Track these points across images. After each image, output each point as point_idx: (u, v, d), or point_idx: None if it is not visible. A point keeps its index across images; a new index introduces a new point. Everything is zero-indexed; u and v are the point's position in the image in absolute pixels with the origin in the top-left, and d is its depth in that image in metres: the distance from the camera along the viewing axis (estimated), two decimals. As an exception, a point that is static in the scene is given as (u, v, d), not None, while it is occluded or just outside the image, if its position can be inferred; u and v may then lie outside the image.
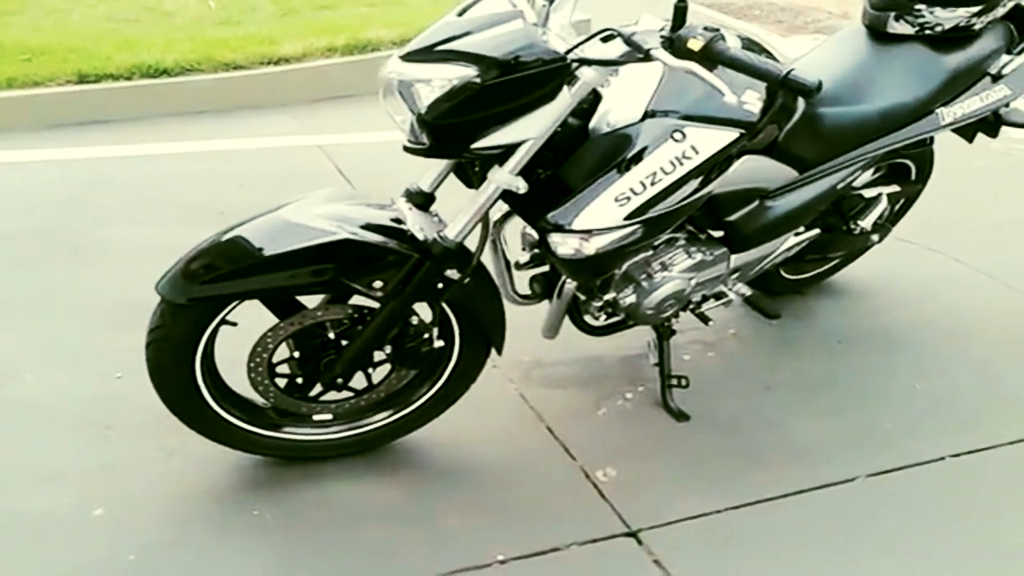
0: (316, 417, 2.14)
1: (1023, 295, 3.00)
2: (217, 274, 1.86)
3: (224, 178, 3.69)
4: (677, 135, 1.85)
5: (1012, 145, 3.96)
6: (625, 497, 2.10)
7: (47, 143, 3.92)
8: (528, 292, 2.26)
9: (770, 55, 2.01)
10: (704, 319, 2.40)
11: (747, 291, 2.41)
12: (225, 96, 4.45)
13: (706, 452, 2.27)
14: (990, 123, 2.53)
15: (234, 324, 1.96)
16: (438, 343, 2.05)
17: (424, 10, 5.52)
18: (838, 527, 2.03)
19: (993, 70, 2.39)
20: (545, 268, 2.23)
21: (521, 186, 1.82)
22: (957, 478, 2.20)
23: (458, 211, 1.91)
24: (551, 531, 1.99)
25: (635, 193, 1.85)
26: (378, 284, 1.88)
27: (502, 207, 2.07)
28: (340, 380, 2.05)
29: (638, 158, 1.84)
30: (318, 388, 2.08)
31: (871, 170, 2.58)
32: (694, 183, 1.90)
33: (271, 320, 1.99)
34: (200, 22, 5.16)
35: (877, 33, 2.40)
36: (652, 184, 1.85)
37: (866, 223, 2.59)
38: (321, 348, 2.02)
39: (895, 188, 2.67)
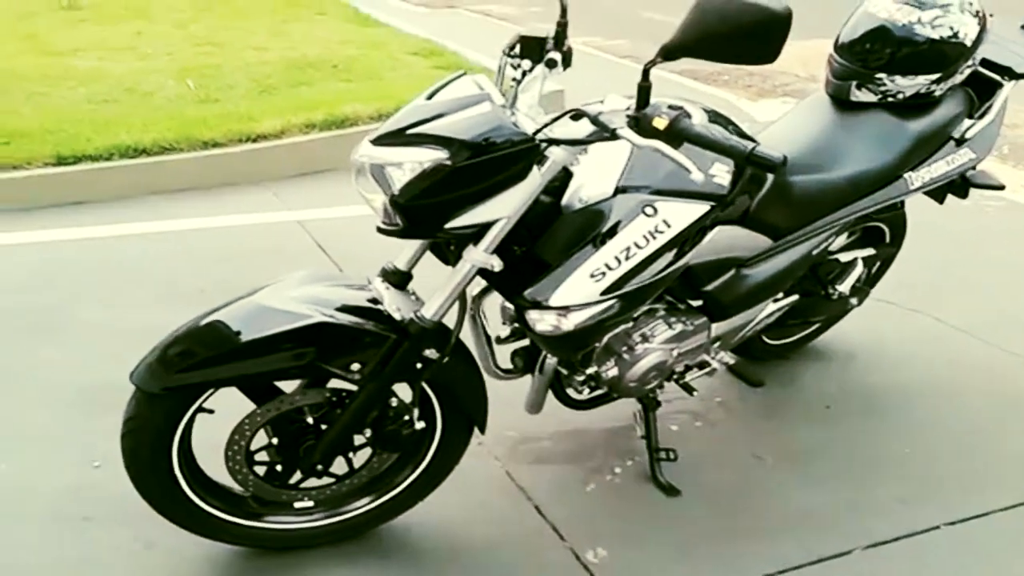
0: (297, 505, 2.10)
1: (1004, 353, 3.01)
2: (192, 362, 1.84)
3: (203, 256, 3.68)
4: (649, 210, 1.87)
5: (983, 203, 4.02)
6: (616, 578, 2.06)
7: (24, 225, 3.91)
8: (510, 366, 2.24)
9: (736, 127, 2.05)
10: (689, 389, 2.39)
11: (730, 359, 2.41)
12: (204, 174, 4.46)
13: (698, 528, 2.24)
14: (959, 185, 2.57)
15: (211, 411, 1.93)
16: (419, 424, 2.02)
17: (400, 84, 5.61)
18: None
19: (956, 134, 2.44)
20: (526, 342, 2.22)
21: (496, 264, 1.82)
22: (954, 548, 2.18)
23: (435, 290, 1.90)
24: (542, 617, 1.95)
25: (610, 268, 1.85)
26: (356, 367, 1.87)
27: (481, 282, 2.07)
28: (320, 466, 2.01)
29: (612, 233, 1.85)
30: (298, 475, 2.04)
31: (845, 235, 2.61)
32: (668, 256, 1.91)
33: (248, 406, 1.97)
34: (179, 101, 5.20)
35: (841, 101, 2.45)
36: (627, 259, 1.86)
37: (844, 287, 2.61)
38: (300, 434, 1.99)
39: (870, 251, 2.69)
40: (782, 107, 6.15)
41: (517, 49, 1.92)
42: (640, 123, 1.65)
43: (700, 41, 1.55)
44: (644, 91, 1.66)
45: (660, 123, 1.61)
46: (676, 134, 1.62)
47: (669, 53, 1.59)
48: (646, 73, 1.65)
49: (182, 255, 3.70)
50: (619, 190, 1.87)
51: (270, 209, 4.25)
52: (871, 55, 2.35)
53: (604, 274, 1.85)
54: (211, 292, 3.17)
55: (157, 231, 3.94)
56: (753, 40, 1.53)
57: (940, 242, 3.64)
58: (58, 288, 3.39)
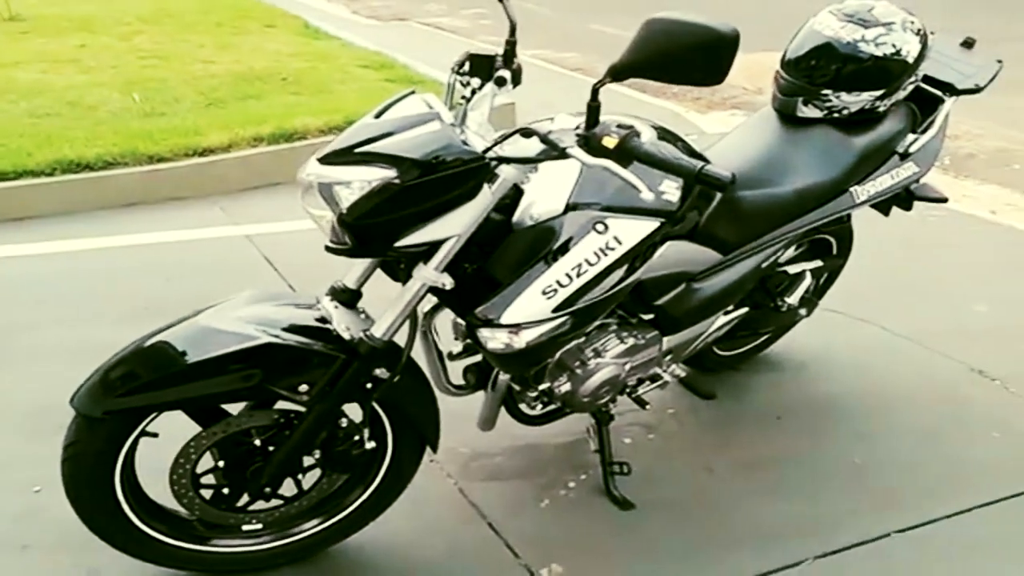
0: (245, 528, 2.05)
1: (949, 360, 3.07)
2: (134, 385, 1.79)
3: (150, 273, 3.61)
4: (599, 227, 1.87)
5: (927, 213, 4.10)
6: (571, 596, 2.05)
7: (-38, 243, 3.81)
8: (462, 383, 2.23)
9: (686, 144, 2.06)
10: (641, 403, 2.39)
11: (682, 372, 2.42)
12: (150, 189, 4.39)
13: (652, 542, 2.24)
14: (903, 198, 2.62)
15: (155, 435, 1.89)
16: (370, 444, 1.99)
17: (350, 97, 5.58)
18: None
19: (900, 149, 2.48)
20: (478, 358, 2.21)
21: (447, 282, 1.81)
22: (905, 555, 2.20)
23: (385, 308, 1.88)
24: (496, 637, 1.93)
25: (561, 285, 1.85)
26: (304, 388, 1.83)
27: (432, 298, 2.05)
28: (268, 489, 1.97)
29: (563, 250, 1.85)
30: (245, 498, 2.00)
31: (793, 248, 2.64)
32: (619, 272, 1.91)
33: (193, 428, 1.92)
34: (123, 115, 5.10)
35: (788, 117, 2.48)
36: (578, 276, 1.85)
37: (792, 299, 2.64)
38: (247, 456, 1.95)
39: (818, 263, 2.73)
40: (730, 119, 6.23)
41: (466, 67, 1.92)
42: (590, 142, 1.65)
43: (648, 61, 1.56)
44: (593, 110, 1.66)
45: (610, 142, 1.61)
46: (626, 153, 1.62)
47: (618, 73, 1.60)
48: (595, 93, 1.65)
49: (127, 272, 3.63)
50: (570, 207, 1.87)
51: (218, 224, 4.19)
52: (817, 71, 2.38)
53: (556, 291, 1.85)
54: (156, 309, 3.08)
55: (101, 247, 3.86)
56: (701, 61, 1.54)
57: (885, 253, 3.70)
58: (0, 307, 3.30)
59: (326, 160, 1.74)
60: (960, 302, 3.53)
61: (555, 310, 1.86)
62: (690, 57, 1.54)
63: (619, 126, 1.63)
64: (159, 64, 6.33)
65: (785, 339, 3.03)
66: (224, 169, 4.57)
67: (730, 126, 5.83)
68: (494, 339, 1.88)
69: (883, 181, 2.47)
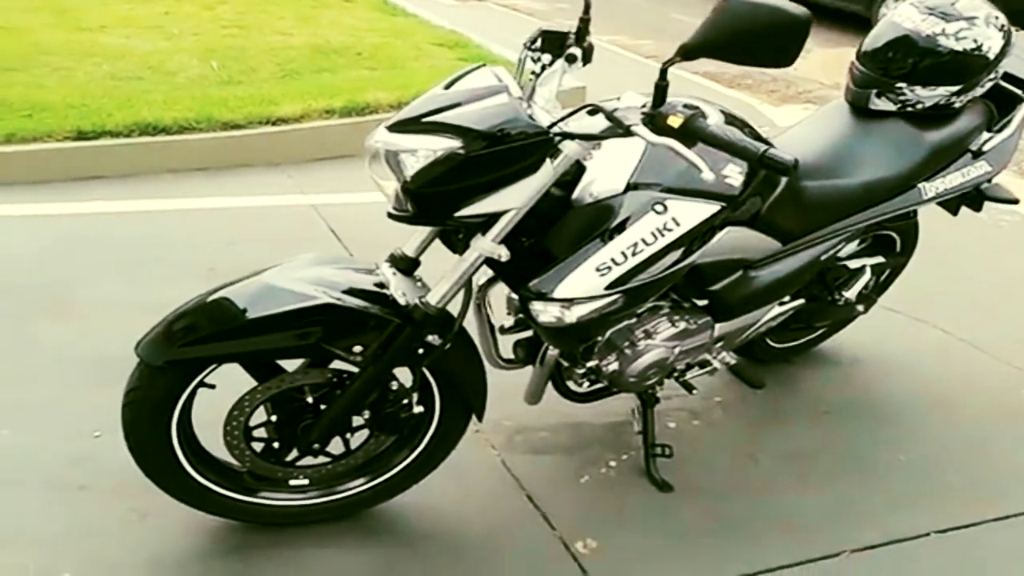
0: (292, 482, 2.11)
1: (1008, 367, 3.00)
2: (196, 337, 1.86)
3: (216, 236, 3.70)
4: (658, 207, 1.87)
5: (999, 217, 4.00)
6: (604, 571, 2.07)
7: (42, 198, 3.94)
8: (512, 357, 2.25)
9: (752, 129, 2.05)
10: (688, 387, 2.39)
11: (732, 360, 2.41)
12: (222, 155, 4.48)
13: (689, 525, 2.24)
14: (973, 197, 2.56)
15: (212, 387, 1.95)
16: (418, 409, 2.03)
17: (422, 74, 5.61)
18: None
19: (974, 147, 2.42)
20: (529, 333, 2.23)
21: (503, 254, 1.83)
22: (942, 555, 2.17)
23: (441, 277, 1.91)
24: (528, 606, 1.96)
25: (616, 263, 1.86)
26: (358, 349, 1.88)
27: (488, 271, 2.08)
28: (317, 445, 2.03)
29: (620, 229, 1.85)
30: (294, 453, 2.06)
31: (856, 242, 2.60)
32: (675, 254, 1.91)
33: (249, 382, 1.98)
34: (201, 81, 5.21)
35: (860, 109, 2.44)
36: (633, 255, 1.86)
37: (850, 294, 2.60)
38: (299, 412, 2.00)
39: (879, 259, 2.68)
40: (804, 113, 6.11)
41: (538, 43, 1.93)
42: (655, 121, 1.66)
43: (719, 42, 1.56)
44: (661, 89, 1.67)
45: (674, 121, 1.62)
46: (690, 133, 1.62)
47: (688, 52, 1.60)
48: (664, 72, 1.65)
49: (196, 234, 3.72)
50: (630, 187, 1.87)
51: (286, 192, 4.26)
52: (892, 64, 2.34)
53: (610, 269, 1.86)
54: (221, 271, 3.17)
55: (172, 209, 3.97)
56: (772, 43, 1.54)
57: (951, 254, 3.62)
58: (72, 262, 3.41)
59: (394, 128, 1.78)
60: (1022, 307, 3.43)
61: (608, 287, 1.87)
62: (762, 39, 1.54)
63: (685, 106, 1.63)
64: (239, 34, 6.44)
65: (840, 335, 2.99)
66: (295, 139, 4.64)
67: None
68: (546, 312, 1.90)
69: (953, 179, 2.41)
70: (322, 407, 2.01)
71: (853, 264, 2.61)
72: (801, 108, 6.32)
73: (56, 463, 2.32)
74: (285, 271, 1.94)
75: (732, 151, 1.61)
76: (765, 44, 1.54)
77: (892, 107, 2.38)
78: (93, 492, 2.23)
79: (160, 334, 1.86)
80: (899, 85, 2.35)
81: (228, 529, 2.13)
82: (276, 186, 4.33)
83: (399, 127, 1.79)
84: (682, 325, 2.18)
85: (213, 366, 1.91)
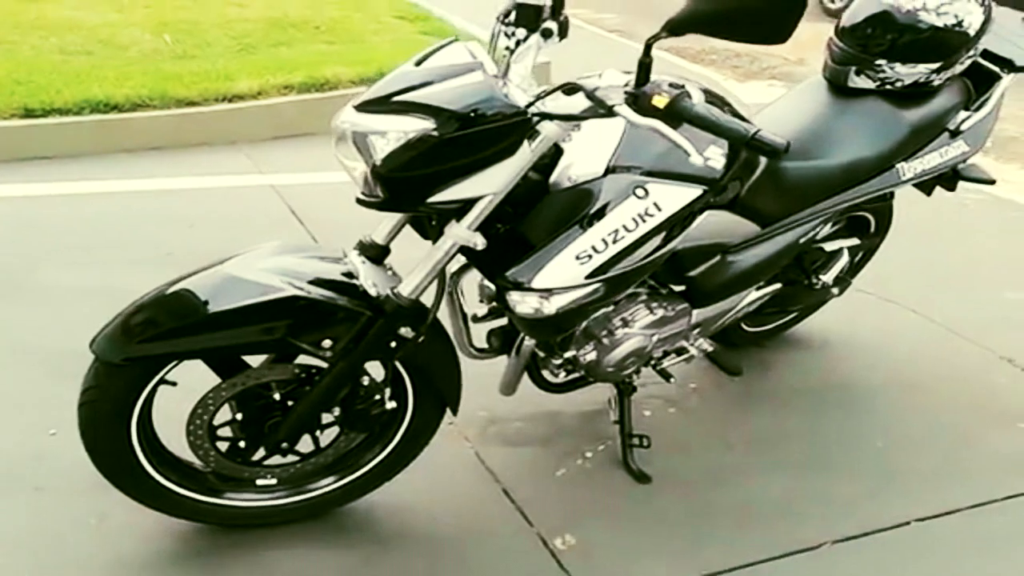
0: (259, 482, 2.03)
1: (979, 348, 2.99)
2: (156, 332, 1.76)
3: (173, 218, 3.57)
4: (639, 192, 1.80)
5: (964, 195, 3.99)
6: (584, 568, 2.02)
7: (-13, 179, 3.78)
8: (485, 346, 2.18)
9: (732, 108, 1.98)
10: (666, 376, 2.34)
11: (709, 346, 2.36)
12: (177, 133, 4.34)
13: (668, 516, 2.20)
14: (948, 177, 2.53)
15: (173, 384, 1.85)
16: (390, 404, 1.95)
17: (384, 48, 5.49)
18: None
19: (952, 126, 2.39)
20: (503, 321, 2.16)
21: (479, 242, 1.75)
22: (924, 544, 2.15)
23: (414, 266, 1.83)
24: (508, 606, 1.90)
25: (597, 251, 1.79)
26: (327, 343, 1.79)
27: (460, 258, 2.00)
28: (285, 444, 1.95)
29: (600, 215, 1.78)
30: (261, 452, 1.97)
31: (830, 224, 2.56)
32: (657, 240, 1.85)
33: (213, 379, 1.89)
34: (154, 56, 5.04)
35: (838, 87, 2.39)
36: (615, 242, 1.79)
37: (827, 277, 2.57)
38: (265, 410, 1.91)
39: (855, 241, 2.65)
40: (769, 90, 6.11)
41: (512, 17, 1.83)
42: (639, 101, 1.58)
43: (709, 16, 1.49)
44: (645, 67, 1.59)
45: (660, 101, 1.54)
46: (676, 114, 1.55)
47: (675, 27, 1.52)
48: (648, 48, 1.58)
49: (151, 216, 3.59)
50: (610, 170, 1.80)
51: (244, 172, 4.14)
52: (872, 40, 2.29)
53: (590, 257, 1.79)
54: (180, 256, 3.10)
55: (126, 190, 3.83)
56: (766, 18, 1.47)
57: (918, 234, 3.59)
58: (22, 247, 3.28)
59: (363, 108, 1.68)
60: (993, 289, 3.44)
61: (588, 276, 1.80)
62: (755, 13, 1.47)
63: (671, 85, 1.56)
64: (192, 6, 6.24)
65: (812, 317, 2.96)
66: (253, 116, 4.51)
67: (769, 97, 5.74)
68: (524, 303, 1.83)
69: (931, 159, 2.38)
70: (290, 403, 1.92)
71: (829, 247, 2.57)
72: (766, 84, 6.32)
73: (10, 462, 2.22)
74: (248, 261, 1.84)
75: (720, 133, 1.54)
76: (758, 19, 1.47)
77: (871, 85, 2.33)
78: (50, 493, 2.13)
79: (117, 330, 1.76)
80: (878, 62, 2.30)
81: (192, 531, 2.04)
82: (234, 166, 4.20)
83: (368, 107, 1.69)
84: (660, 312, 2.13)
85: (174, 363, 1.81)
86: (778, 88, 6.23)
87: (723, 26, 1.50)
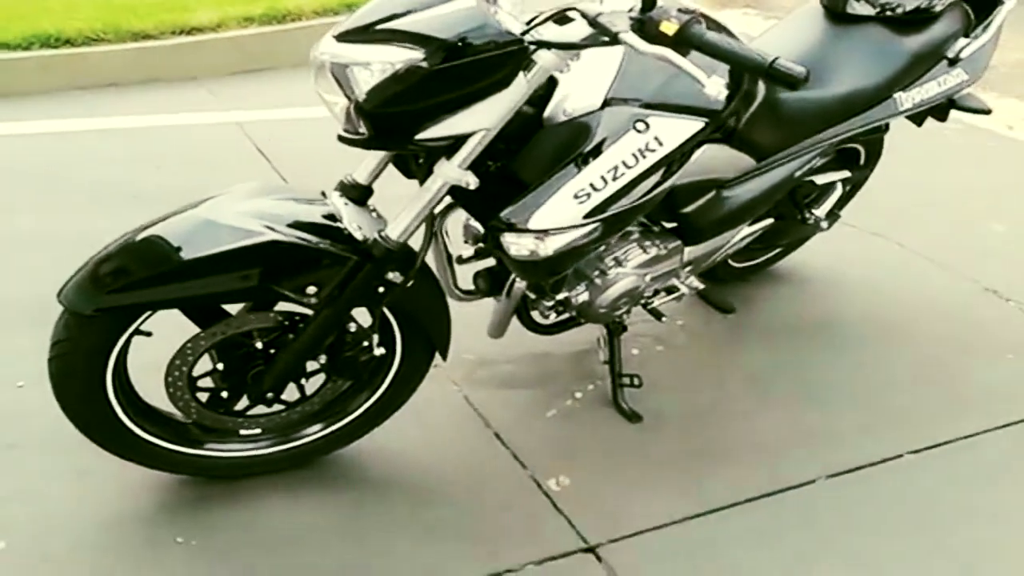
0: (243, 432, 1.95)
1: (964, 281, 2.97)
2: (127, 282, 1.66)
3: (136, 158, 3.43)
4: (640, 125, 1.71)
5: (942, 126, 3.95)
6: (580, 508, 1.98)
7: (-69, 121, 3.59)
8: (471, 288, 2.10)
9: (730, 33, 1.89)
10: (657, 315, 2.28)
11: (700, 284, 2.30)
12: (133, 69, 4.15)
13: (661, 455, 2.16)
14: (942, 107, 2.46)
15: (148, 334, 1.76)
16: (378, 351, 1.87)
17: (347, -22, 5.26)
18: (803, 534, 1.95)
19: (951, 54, 2.31)
20: (490, 263, 2.08)
21: (472, 181, 1.66)
22: (917, 476, 2.13)
23: (401, 208, 1.73)
24: (504, 550, 1.86)
25: (596, 189, 1.70)
26: (312, 290, 1.70)
27: (445, 198, 1.91)
28: (271, 394, 1.87)
29: (598, 151, 1.69)
30: (245, 402, 1.89)
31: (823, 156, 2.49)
32: (656, 176, 1.77)
33: (191, 328, 1.80)
34: (105, -13, 4.80)
35: (835, 14, 2.30)
36: (614, 179, 1.71)
37: (820, 211, 2.51)
38: (248, 359, 1.83)
39: (846, 174, 2.59)
40: (744, 18, 5.98)
41: None
42: (646, 27, 1.48)
43: None
44: None
45: (669, 28, 1.45)
46: (687, 41, 1.45)
47: None
48: None
49: (114, 157, 3.44)
50: (608, 102, 1.71)
51: (206, 109, 3.98)
52: (871, -37, 2.20)
53: (588, 195, 1.70)
54: (147, 197, 2.96)
55: (83, 129, 3.66)
56: None
57: (899, 165, 3.54)
58: (-26, 190, 3.12)
59: (343, 38, 1.56)
60: (976, 220, 3.40)
61: (587, 216, 1.72)
62: None
63: (680, 10, 1.46)
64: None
65: (798, 251, 2.91)
66: (213, 50, 4.34)
67: (745, 25, 5.60)
68: (519, 245, 1.74)
69: (929, 88, 2.30)
70: (272, 352, 1.84)
71: (821, 180, 2.51)
72: (740, 12, 6.18)
73: (-22, 419, 2.12)
74: (224, 204, 1.74)
75: (735, 61, 1.45)
76: None
77: (871, 11, 2.25)
78: (24, 450, 2.05)
79: (86, 279, 1.66)
80: (879, -14, 2.21)
81: (176, 484, 1.97)
82: (196, 102, 4.04)
83: (349, 36, 1.58)
84: (652, 251, 2.06)
85: (148, 313, 1.71)
86: (752, 16, 6.10)
87: None
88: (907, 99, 2.28)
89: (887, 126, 2.44)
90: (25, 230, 2.88)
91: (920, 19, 2.26)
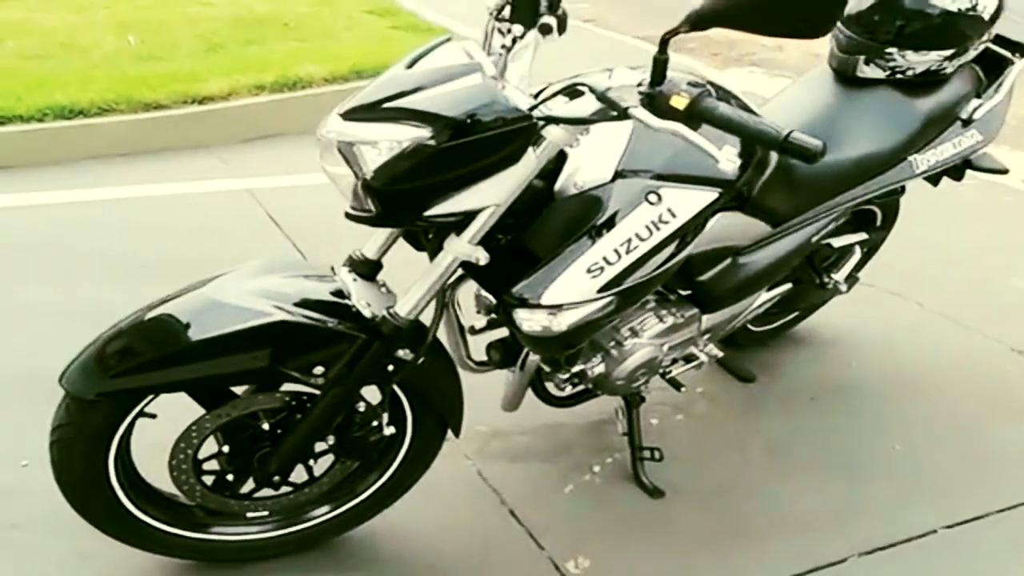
0: (249, 514, 1.89)
1: (986, 339, 2.91)
2: (131, 365, 1.62)
3: (146, 228, 3.41)
4: (652, 197, 1.68)
5: (957, 184, 3.92)
6: (601, 592, 1.91)
7: (-54, 193, 3.60)
8: (484, 359, 2.05)
9: (740, 102, 1.87)
10: (676, 385, 2.23)
11: (719, 352, 2.24)
12: (145, 138, 4.16)
13: (685, 533, 2.09)
14: (957, 167, 2.42)
15: (153, 416, 1.71)
16: (389, 430, 1.82)
17: (355, 44, 5.32)
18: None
19: (964, 115, 2.28)
20: (503, 333, 2.03)
21: (482, 257, 1.62)
22: (952, 553, 2.05)
23: (411, 284, 1.69)
24: (521, 639, 1.79)
25: (609, 263, 1.66)
26: (319, 370, 1.66)
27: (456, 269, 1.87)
28: (277, 477, 1.81)
29: (610, 224, 1.66)
30: (251, 484, 1.83)
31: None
32: (671, 248, 1.73)
33: (196, 409, 1.75)
34: (118, 58, 4.85)
35: (846, 77, 2.27)
36: (627, 252, 1.67)
37: (839, 275, 2.46)
38: (254, 440, 1.78)
39: (863, 236, 2.54)
40: (749, 77, 6.00)
41: (506, 11, 1.70)
42: (655, 101, 1.45)
43: (741, 7, 1.35)
44: (660, 64, 1.46)
45: (679, 102, 1.41)
46: (698, 115, 1.42)
47: (699, 21, 1.40)
48: (664, 44, 1.45)
49: (123, 226, 3.42)
50: (619, 174, 1.67)
51: (218, 176, 3.97)
52: (881, 27, 2.17)
53: (602, 269, 1.66)
54: (155, 267, 2.94)
55: (95, 199, 3.65)
56: (805, 7, 1.33)
57: (915, 223, 3.50)
58: (-15, 263, 3.11)
59: (350, 116, 1.54)
60: (995, 276, 3.35)
61: (600, 290, 1.68)
62: (793, 2, 1.33)
63: (690, 83, 1.43)
64: (155, 4, 6.04)
65: (817, 314, 2.86)
66: (224, 118, 4.35)
67: (750, 84, 5.62)
68: (531, 321, 1.70)
69: (944, 150, 2.27)
70: (279, 432, 1.79)
71: (838, 243, 2.46)
72: (746, 71, 6.20)
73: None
74: (230, 282, 1.70)
75: (747, 135, 1.42)
76: (797, 8, 1.34)
77: (881, 74, 2.22)
78: (25, 531, 1.99)
79: (88, 362, 1.62)
80: (889, 51, 2.18)
81: (181, 569, 1.91)
82: (207, 170, 4.04)
83: (355, 114, 1.55)
84: (669, 320, 2.01)
85: (151, 396, 1.67)
86: (758, 75, 6.13)
87: (755, 19, 1.37)
88: (922, 161, 2.24)
89: (903, 188, 2.40)
90: (31, 302, 2.85)
91: (931, 81, 2.23)
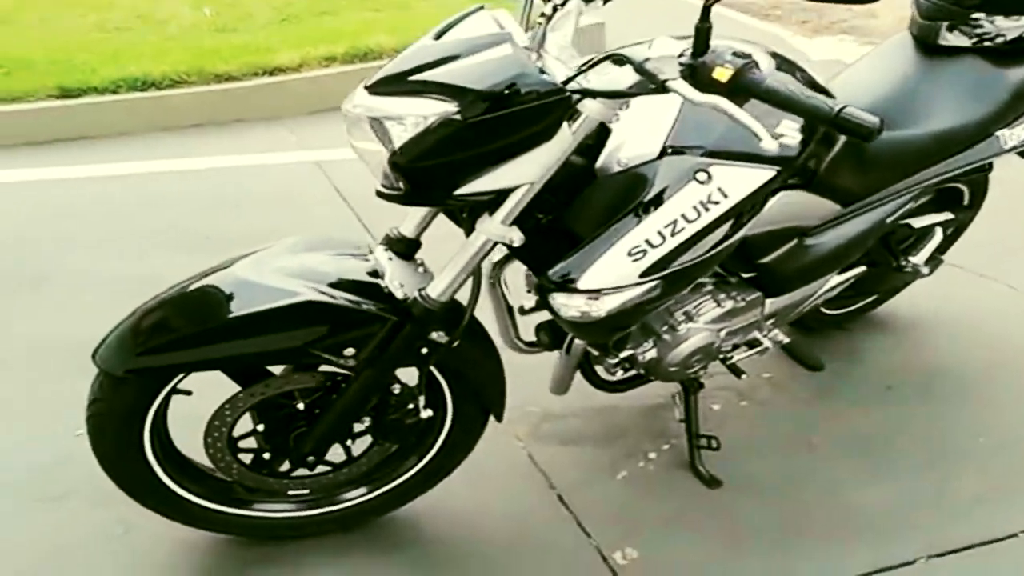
0: (290, 492, 1.87)
1: (1087, 327, 2.69)
2: (158, 343, 1.60)
3: (213, 199, 3.44)
4: (701, 175, 1.56)
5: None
6: (647, 587, 1.83)
7: (23, 162, 3.68)
8: (534, 340, 1.97)
9: (806, 74, 1.73)
10: (737, 372, 2.11)
11: (785, 338, 2.11)
12: (217, 110, 4.20)
13: (742, 527, 1.99)
14: (1053, 142, 2.22)
15: (188, 393, 1.70)
16: (426, 413, 1.76)
17: (430, 14, 5.25)
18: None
19: (1060, 86, 2.08)
20: (553, 314, 1.95)
21: (516, 238, 1.54)
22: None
23: (444, 264, 1.63)
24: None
25: (652, 245, 1.56)
26: (350, 351, 1.61)
27: (502, 247, 1.80)
28: (312, 457, 1.78)
29: (656, 203, 1.55)
30: (288, 464, 1.81)
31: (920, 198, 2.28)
32: (722, 230, 1.61)
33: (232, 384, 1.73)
34: (194, 30, 4.90)
35: (928, 45, 2.10)
36: (673, 234, 1.56)
37: (918, 258, 2.29)
38: (290, 420, 1.75)
39: (947, 216, 2.36)
40: (840, 45, 5.72)
41: None
42: (697, 73, 1.34)
43: None
44: (703, 33, 1.35)
45: (722, 74, 1.30)
46: (742, 88, 1.30)
47: None
48: (706, 11, 1.33)
49: (189, 197, 3.46)
50: (666, 151, 1.57)
51: (286, 148, 3.99)
52: (967, -10, 2.00)
53: (645, 252, 1.56)
54: (217, 239, 2.95)
55: (164, 171, 3.71)
56: None
57: (1008, 200, 3.27)
58: (51, 232, 3.18)
59: (375, 89, 1.47)
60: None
61: (643, 274, 1.58)
62: None
63: (734, 54, 1.31)
64: (235, -23, 6.10)
65: (898, 296, 2.68)
66: (295, 90, 4.35)
67: (840, 53, 5.35)
68: (569, 306, 1.61)
69: (1037, 124, 2.08)
70: (316, 412, 1.75)
71: (919, 223, 2.29)
72: (836, 39, 5.91)
73: (32, 468, 2.10)
74: (262, 261, 1.67)
75: (796, 110, 1.30)
76: None
77: (967, 42, 2.05)
78: (74, 501, 2.02)
79: (118, 339, 1.61)
80: (976, 16, 2.01)
81: (223, 544, 1.91)
82: (276, 142, 4.05)
83: (381, 88, 1.48)
84: (728, 304, 1.89)
85: (183, 374, 1.65)
86: (848, 43, 5.83)
87: None
88: (1012, 137, 2.06)
89: (991, 165, 2.22)
90: (96, 272, 2.90)
91: (1022, 49, 2.04)
